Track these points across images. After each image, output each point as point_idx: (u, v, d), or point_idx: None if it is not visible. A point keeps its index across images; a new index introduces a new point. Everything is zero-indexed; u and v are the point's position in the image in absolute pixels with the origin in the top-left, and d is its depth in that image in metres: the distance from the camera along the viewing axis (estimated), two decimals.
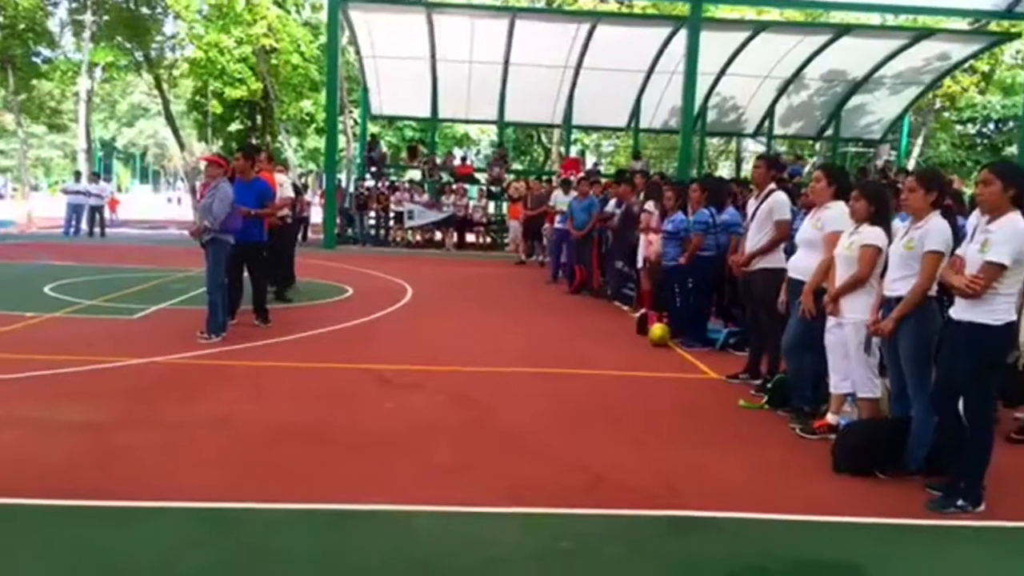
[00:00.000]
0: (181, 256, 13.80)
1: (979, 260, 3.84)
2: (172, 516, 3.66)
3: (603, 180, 14.25)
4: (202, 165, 10.39)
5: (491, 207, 21.72)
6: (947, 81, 25.12)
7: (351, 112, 27.66)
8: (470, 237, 20.38)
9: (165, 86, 29.82)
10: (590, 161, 30.11)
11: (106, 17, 26.82)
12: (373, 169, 21.56)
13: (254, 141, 28.01)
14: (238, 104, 28.70)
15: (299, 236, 14.44)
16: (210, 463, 4.30)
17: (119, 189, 56.58)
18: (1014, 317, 3.92)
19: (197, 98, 30.64)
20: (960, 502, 3.98)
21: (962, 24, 21.61)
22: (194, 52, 26.81)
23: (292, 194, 10.95)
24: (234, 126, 30.13)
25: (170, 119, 30.31)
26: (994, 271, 3.79)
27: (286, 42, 26.46)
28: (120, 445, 4.55)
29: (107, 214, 22.30)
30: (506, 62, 20.52)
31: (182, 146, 31.94)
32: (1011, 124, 29.04)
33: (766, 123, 23.74)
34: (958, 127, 31.45)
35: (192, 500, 3.78)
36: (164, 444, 4.59)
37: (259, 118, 30.38)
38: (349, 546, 3.44)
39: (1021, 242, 3.78)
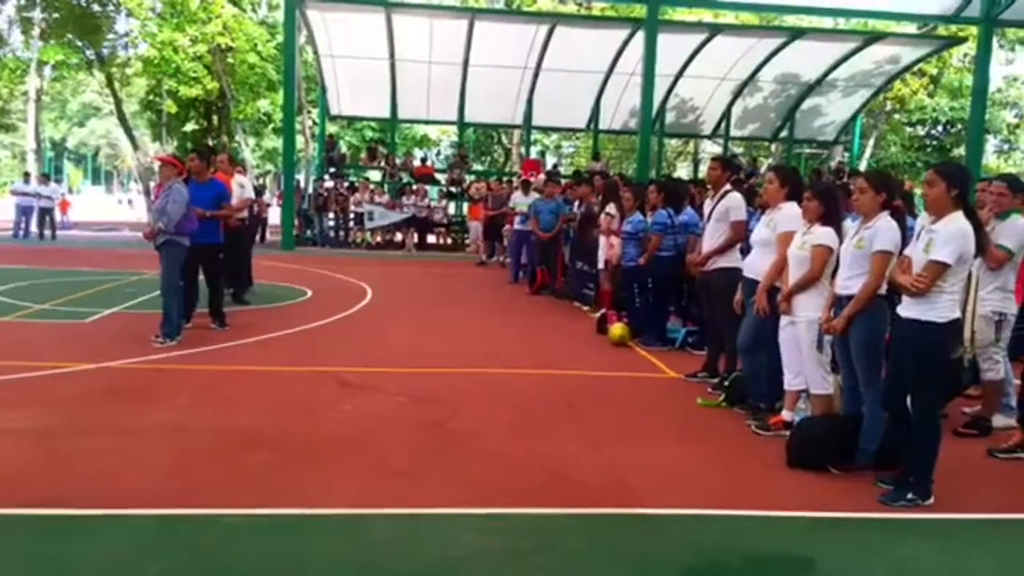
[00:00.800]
0: (135, 259, 13.55)
1: (924, 259, 3.95)
2: (127, 524, 3.59)
3: (562, 181, 14.31)
4: (156, 166, 10.23)
5: (451, 208, 21.70)
6: (897, 84, 25.74)
7: (309, 112, 27.42)
8: (431, 238, 20.33)
9: (117, 85, 29.25)
10: (550, 162, 30.26)
11: (56, 14, 26.25)
12: (332, 170, 21.39)
13: (210, 141, 27.63)
14: (193, 103, 28.28)
15: (257, 237, 14.28)
16: (166, 469, 4.23)
17: (70, 190, 55.43)
18: (958, 314, 4.04)
19: (151, 97, 30.14)
20: (910, 495, 4.08)
21: (911, 28, 22.15)
22: (147, 50, 26.36)
23: (253, 195, 10.83)
24: (189, 126, 29.68)
25: (123, 119, 29.75)
26: (938, 270, 3.90)
27: (242, 41, 26.15)
28: (72, 452, 4.45)
29: (58, 216, 21.79)
30: (466, 63, 20.53)
31: (135, 146, 31.36)
32: (959, 126, 29.84)
33: (723, 125, 24.09)
34: (908, 129, 32.26)
35: (147, 507, 3.72)
36: (118, 450, 4.50)
37: (215, 118, 29.97)
38: (307, 551, 3.41)
39: (963, 242, 3.90)
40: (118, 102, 29.39)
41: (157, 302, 7.56)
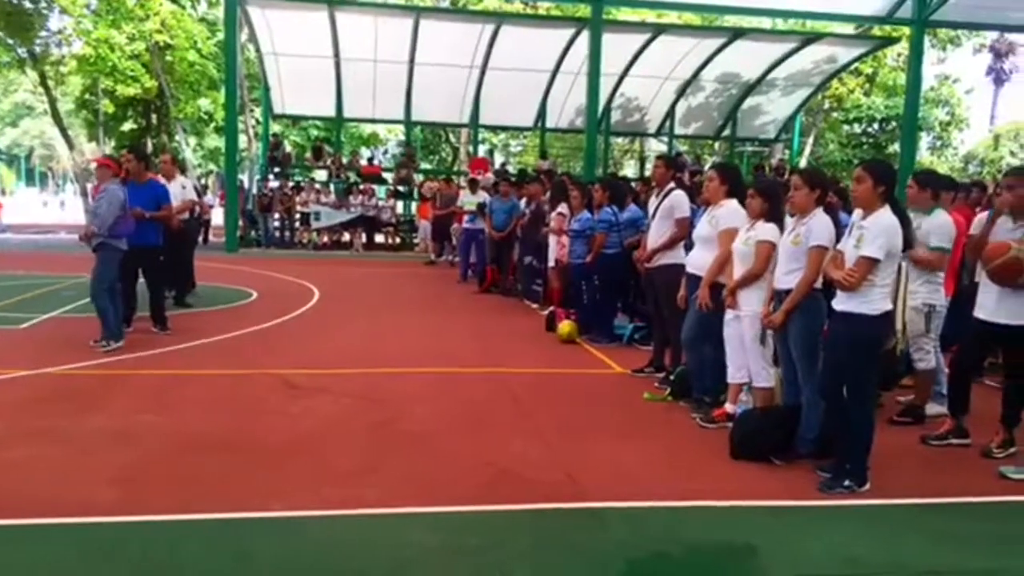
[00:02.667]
0: (71, 262, 13.16)
1: (855, 255, 4.09)
2: (66, 533, 3.51)
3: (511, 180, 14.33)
4: (93, 167, 9.98)
5: (399, 207, 21.60)
6: (835, 83, 26.41)
7: (252, 111, 26.99)
8: (379, 238, 20.19)
9: (51, 84, 28.38)
10: (498, 160, 30.31)
11: None
12: (277, 170, 21.10)
13: (149, 141, 27.02)
14: (131, 102, 27.63)
15: (200, 239, 14.02)
16: (108, 477, 4.13)
17: (2, 192, 53.59)
18: (890, 306, 4.18)
19: (87, 96, 29.35)
20: (847, 482, 4.22)
21: (847, 29, 22.74)
22: (82, 48, 25.64)
23: (195, 197, 10.64)
24: (127, 125, 29.00)
25: (57, 118, 28.88)
26: (868, 265, 4.04)
27: (181, 38, 25.62)
28: (10, 461, 4.32)
29: None
30: (411, 61, 20.42)
31: (71, 147, 30.45)
32: (894, 123, 30.71)
33: (667, 123, 24.41)
34: (845, 127, 33.08)
35: (88, 515, 3.64)
36: (57, 458, 4.39)
37: (154, 117, 29.31)
38: (255, 555, 3.38)
39: (891, 236, 4.05)
40: (52, 101, 28.53)
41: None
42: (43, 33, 27.29)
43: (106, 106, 27.59)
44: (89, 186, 22.40)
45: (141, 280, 7.95)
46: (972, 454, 4.95)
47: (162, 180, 8.92)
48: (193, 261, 10.30)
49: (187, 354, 7.17)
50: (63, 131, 29.35)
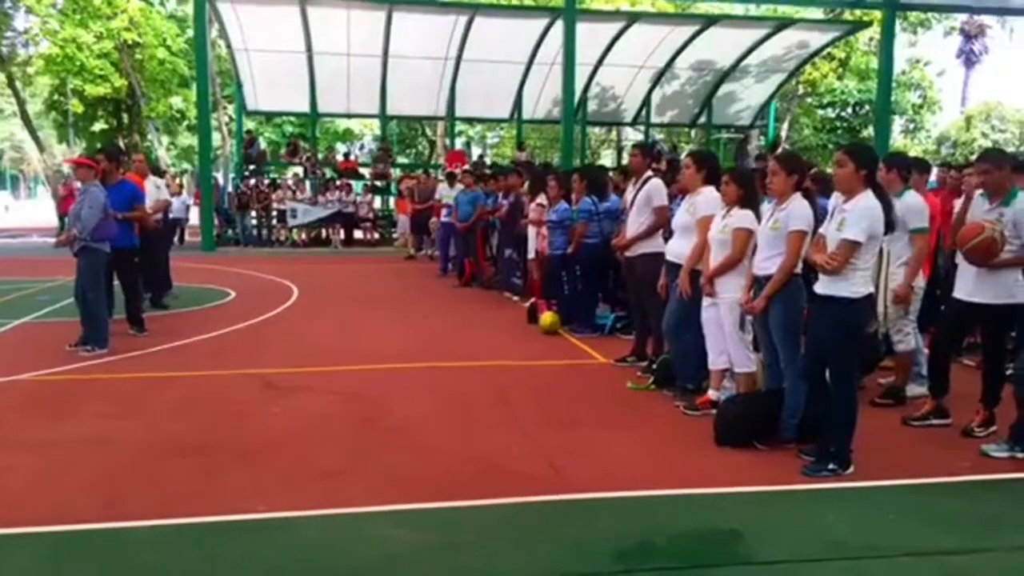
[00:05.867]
0: (44, 266, 12.97)
1: (837, 238, 4.09)
2: (42, 541, 3.44)
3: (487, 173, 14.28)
4: (65, 168, 9.81)
5: (377, 202, 21.48)
6: (808, 68, 26.53)
7: (225, 108, 26.74)
8: (357, 234, 20.08)
9: (19, 85, 27.95)
10: (476, 153, 30.24)
11: None
12: (252, 167, 20.89)
13: (121, 141, 26.69)
14: (101, 102, 27.26)
15: (175, 239, 13.88)
16: (86, 483, 4.06)
17: None
18: (871, 289, 4.20)
19: (56, 97, 28.95)
20: (831, 466, 4.23)
21: (819, 14, 22.88)
22: (49, 48, 25.27)
23: (168, 197, 10.53)
24: (98, 126, 28.63)
25: (27, 120, 28.46)
26: (850, 248, 4.05)
27: (150, 36, 25.34)
28: None
29: None
30: (385, 54, 20.29)
31: (41, 148, 30.02)
32: (867, 107, 30.94)
33: (643, 112, 24.43)
34: (820, 112, 33.29)
35: (65, 523, 3.57)
36: (32, 466, 4.30)
37: (125, 116, 28.96)
38: (239, 558, 3.33)
39: (873, 220, 4.06)
40: (21, 103, 28.12)
41: (71, 310, 7.25)
42: (9, 33, 26.90)
43: (75, 106, 27.23)
44: (59, 187, 22.03)
45: (116, 282, 7.83)
46: (953, 434, 4.99)
47: (135, 180, 8.79)
48: (169, 261, 10.17)
49: (165, 356, 7.08)
50: (32, 133, 28.95)
